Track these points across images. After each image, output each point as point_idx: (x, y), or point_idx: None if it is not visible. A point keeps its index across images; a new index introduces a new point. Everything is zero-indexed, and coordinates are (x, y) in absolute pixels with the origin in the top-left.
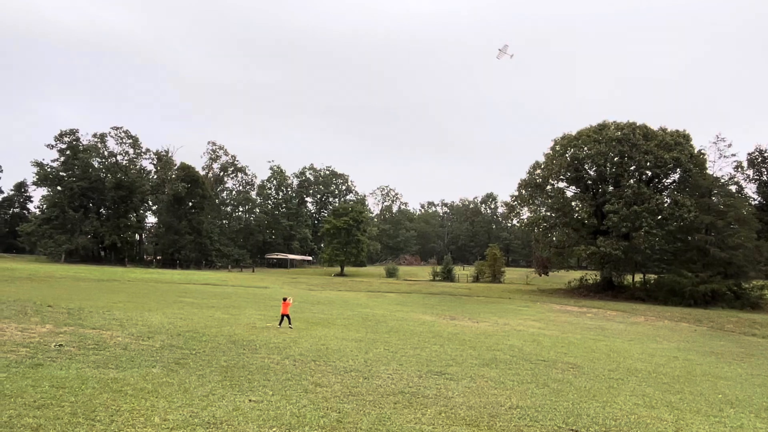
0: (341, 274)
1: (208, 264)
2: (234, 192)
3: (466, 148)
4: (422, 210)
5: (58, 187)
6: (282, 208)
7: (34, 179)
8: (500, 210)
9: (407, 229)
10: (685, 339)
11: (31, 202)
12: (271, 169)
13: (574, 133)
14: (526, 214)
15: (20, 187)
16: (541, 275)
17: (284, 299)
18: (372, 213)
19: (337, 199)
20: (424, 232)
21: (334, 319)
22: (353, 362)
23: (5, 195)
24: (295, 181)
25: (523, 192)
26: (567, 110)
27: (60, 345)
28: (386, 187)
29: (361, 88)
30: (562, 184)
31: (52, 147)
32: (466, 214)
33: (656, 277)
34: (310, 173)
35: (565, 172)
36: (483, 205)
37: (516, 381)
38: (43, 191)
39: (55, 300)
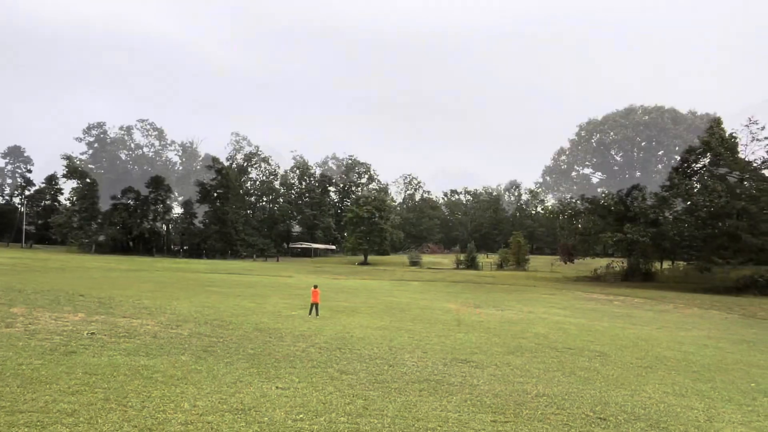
0: (365, 263)
1: (233, 254)
2: (258, 182)
3: (489, 136)
4: (445, 198)
5: (87, 180)
6: (305, 198)
7: (64, 172)
8: (524, 197)
9: (430, 217)
10: (716, 327)
11: (62, 194)
12: (294, 159)
13: (599, 118)
14: (550, 201)
15: (51, 180)
16: (566, 263)
17: (314, 287)
18: (395, 202)
19: (359, 189)
20: (447, 220)
21: (359, 307)
22: (378, 350)
23: (37, 188)
24: (318, 171)
25: (548, 179)
26: (595, 96)
27: (92, 333)
28: (409, 175)
29: (384, 81)
30: (587, 170)
31: (80, 140)
32: (490, 202)
33: (685, 264)
34: (332, 162)
35: (591, 158)
36: (507, 193)
37: (542, 369)
38: (72, 183)
39: (87, 289)
